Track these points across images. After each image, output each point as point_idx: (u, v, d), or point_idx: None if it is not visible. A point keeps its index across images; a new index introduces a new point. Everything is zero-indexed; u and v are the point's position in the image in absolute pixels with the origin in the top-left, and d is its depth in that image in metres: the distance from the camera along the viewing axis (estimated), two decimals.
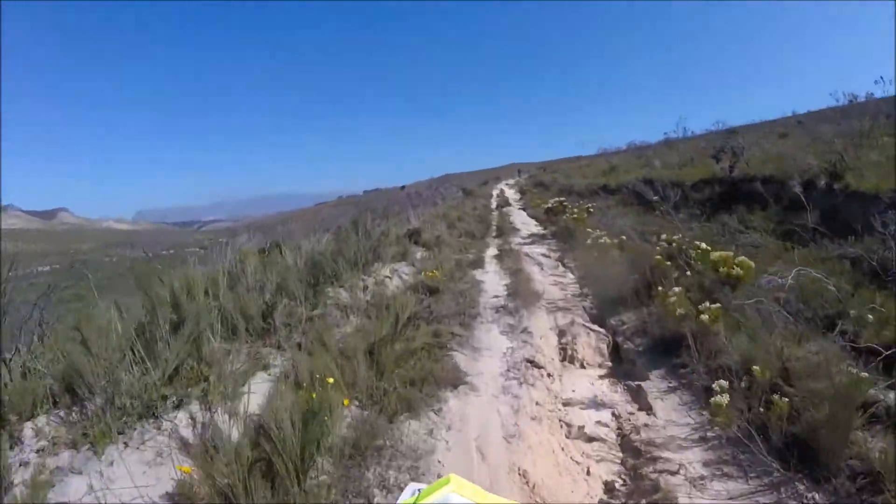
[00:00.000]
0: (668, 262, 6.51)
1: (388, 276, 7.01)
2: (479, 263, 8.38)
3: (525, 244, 11.07)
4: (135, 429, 2.51)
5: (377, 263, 7.55)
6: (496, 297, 6.56)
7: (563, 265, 8.96)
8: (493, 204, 23.09)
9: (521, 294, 6.39)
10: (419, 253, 9.03)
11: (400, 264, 7.76)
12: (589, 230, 9.80)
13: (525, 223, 15.36)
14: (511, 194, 29.24)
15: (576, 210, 11.63)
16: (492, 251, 10.10)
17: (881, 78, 14.33)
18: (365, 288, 6.26)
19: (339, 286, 6.18)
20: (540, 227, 14.09)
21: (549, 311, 6.26)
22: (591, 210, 11.37)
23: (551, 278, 7.96)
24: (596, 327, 5.88)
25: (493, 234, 12.73)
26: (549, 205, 13.41)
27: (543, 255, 9.77)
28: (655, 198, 12.09)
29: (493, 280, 7.45)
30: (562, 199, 13.72)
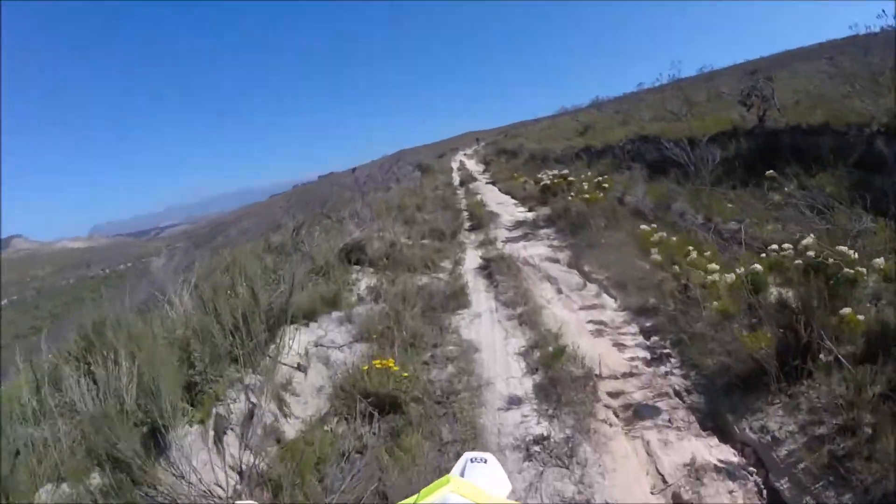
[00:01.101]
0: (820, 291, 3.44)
1: (297, 366, 3.68)
2: (459, 295, 5.09)
3: (515, 240, 7.86)
4: None
5: (291, 326, 4.21)
6: (514, 401, 3.33)
7: (585, 277, 5.81)
8: (456, 180, 19.68)
9: (560, 385, 3.21)
10: (363, 283, 5.69)
11: (327, 322, 4.43)
12: (614, 216, 6.69)
13: (502, 203, 12.11)
14: (473, 166, 25.85)
15: (585, 186, 8.42)
16: (473, 260, 6.87)
17: (883, 12, 11.76)
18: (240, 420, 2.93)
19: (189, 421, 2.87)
20: (523, 209, 10.89)
21: (628, 428, 3.09)
22: (606, 185, 8.17)
23: (582, 314, 4.79)
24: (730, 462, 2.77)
25: (467, 225, 9.45)
26: (547, 181, 10.17)
27: (549, 259, 6.59)
28: (677, 160, 9.07)
29: (492, 340, 4.19)
30: (563, 172, 10.47)
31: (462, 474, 0.79)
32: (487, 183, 17.14)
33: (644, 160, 11.87)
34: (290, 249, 6.34)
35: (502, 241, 7.72)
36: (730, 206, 7.95)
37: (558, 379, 3.26)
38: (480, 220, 9.45)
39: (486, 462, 0.82)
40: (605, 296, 5.24)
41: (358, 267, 6.32)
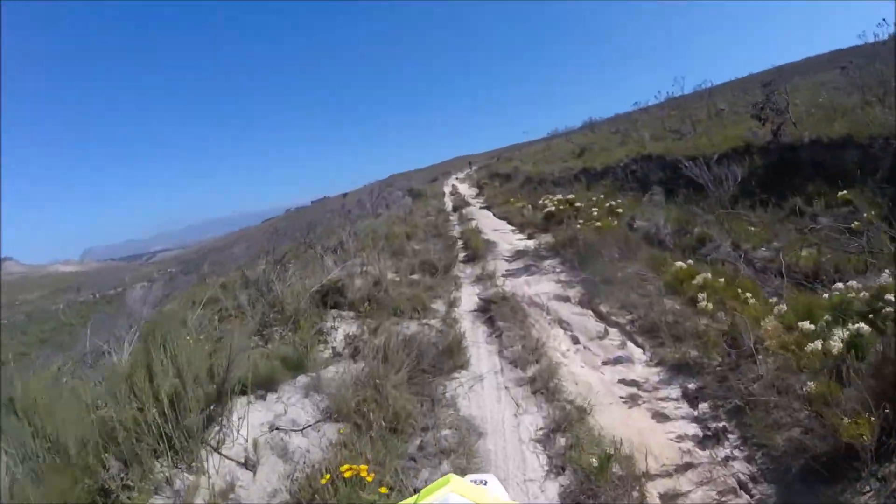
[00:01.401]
0: None
1: (244, 461, 2.73)
2: (455, 350, 4.14)
3: (517, 274, 6.96)
4: None
5: (243, 398, 3.27)
6: None
7: (604, 320, 4.91)
8: (449, 205, 18.91)
9: (599, 495, 2.29)
10: (340, 332, 4.75)
11: (290, 392, 3.48)
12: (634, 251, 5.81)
13: (498, 230, 11.26)
14: (466, 190, 25.14)
15: (595, 211, 7.58)
16: (470, 300, 5.95)
17: (883, 20, 11.36)
18: None
19: None
20: (522, 236, 10.05)
21: None
22: (619, 209, 7.33)
23: (608, 372, 3.85)
24: None
25: (462, 256, 8.55)
26: (552, 206, 9.32)
27: (559, 297, 5.67)
28: (693, 181, 8.29)
29: (500, 418, 3.19)
30: (569, 196, 9.63)
31: None
32: (482, 208, 16.34)
33: (649, 181, 11.13)
34: (261, 288, 5.41)
35: (502, 276, 6.82)
36: (752, 229, 7.15)
37: (596, 488, 2.31)
38: (477, 249, 8.56)
39: (486, 483, 0.77)
40: (631, 345, 4.32)
41: (336, 312, 5.39)
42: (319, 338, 4.58)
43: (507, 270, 7.19)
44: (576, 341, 4.44)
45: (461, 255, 8.56)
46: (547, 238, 8.59)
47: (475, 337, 4.65)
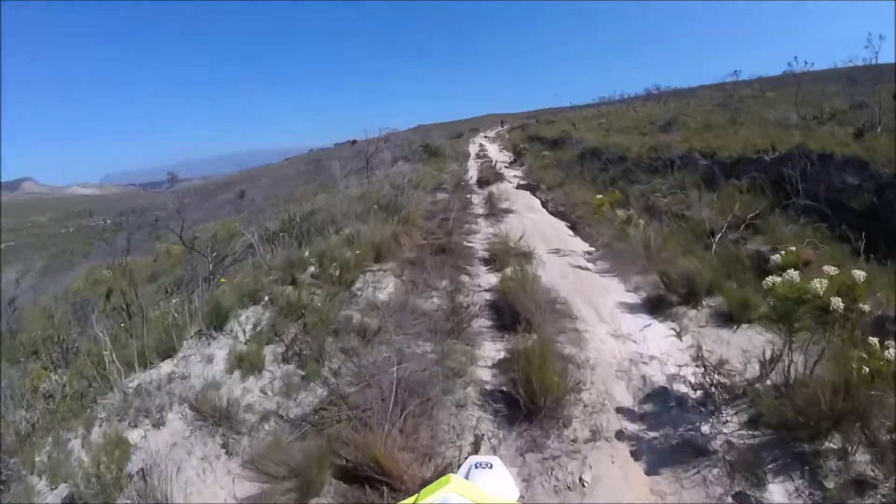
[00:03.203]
0: None
1: None
2: None
3: None
4: None
5: None
6: None
7: None
8: (473, 175, 13.19)
9: None
10: None
11: None
12: None
13: (568, 255, 5.75)
14: (496, 153, 19.23)
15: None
16: None
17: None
18: None
19: None
20: (637, 296, 4.54)
21: None
22: None
23: None
24: None
25: (499, 355, 3.16)
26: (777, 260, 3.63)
27: None
28: None
29: None
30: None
31: (467, 478, 0.74)
32: (522, 186, 10.70)
33: (819, 193, 5.59)
34: None
35: None
36: None
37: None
38: (530, 321, 3.17)
39: (491, 467, 0.76)
40: None
41: None
42: None
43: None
44: None
45: (496, 348, 3.15)
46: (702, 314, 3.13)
47: None
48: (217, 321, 3.62)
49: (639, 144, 11.77)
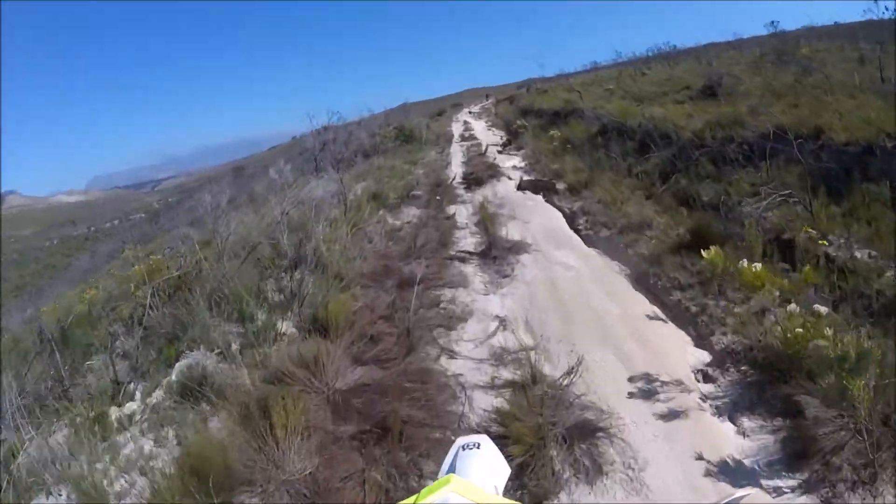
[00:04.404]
0: None
1: None
2: None
3: None
4: None
5: None
6: None
7: None
8: (457, 170, 9.70)
9: None
10: None
11: None
12: None
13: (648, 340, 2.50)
14: (483, 131, 15.52)
15: None
16: None
17: None
18: None
19: None
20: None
21: None
22: None
23: None
24: None
25: None
26: None
27: None
28: None
29: None
30: None
31: (454, 463, 0.72)
32: (526, 185, 7.27)
33: None
34: None
35: None
36: None
37: None
38: None
39: (478, 447, 0.74)
40: None
41: None
42: None
43: None
44: None
45: None
46: None
47: None
48: None
49: (681, 115, 8.38)
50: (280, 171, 6.48)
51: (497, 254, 4.27)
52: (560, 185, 6.88)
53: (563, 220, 5.57)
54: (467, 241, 5.01)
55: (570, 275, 3.84)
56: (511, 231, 4.92)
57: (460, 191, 7.57)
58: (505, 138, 13.12)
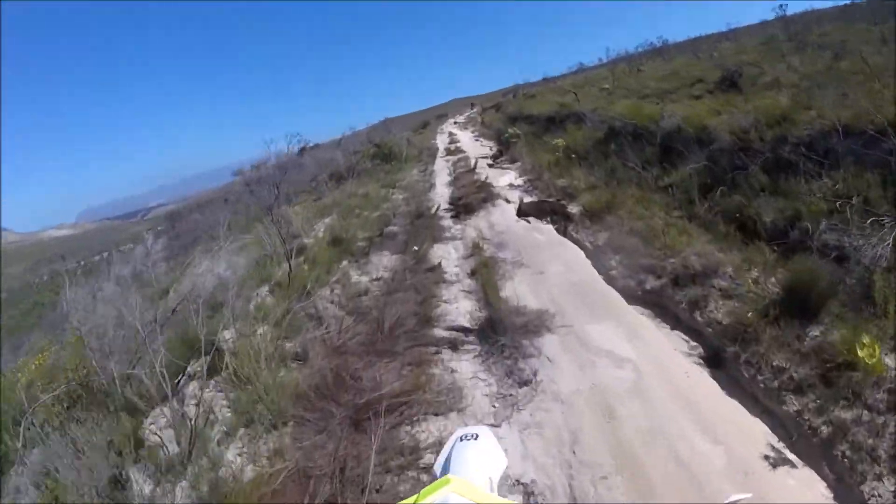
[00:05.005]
0: None
1: None
2: None
3: None
4: None
5: None
6: None
7: None
8: (443, 195, 8.24)
9: None
10: None
11: None
12: None
13: None
14: (470, 143, 13.99)
15: None
16: None
17: None
18: None
19: None
20: None
21: None
22: None
23: None
24: None
25: None
26: None
27: None
28: None
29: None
30: None
31: (450, 454, 0.70)
32: (528, 210, 5.78)
33: None
34: None
35: None
36: None
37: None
38: None
39: (476, 438, 0.72)
40: None
41: None
42: None
43: None
44: None
45: None
46: None
47: None
48: None
49: (708, 112, 6.97)
50: (147, 255, 4.99)
51: (505, 339, 2.79)
52: (573, 208, 5.42)
53: (588, 260, 4.10)
54: (459, 306, 3.53)
55: (626, 378, 2.37)
56: (521, 288, 3.45)
57: (447, 221, 6.10)
58: (495, 149, 11.67)
